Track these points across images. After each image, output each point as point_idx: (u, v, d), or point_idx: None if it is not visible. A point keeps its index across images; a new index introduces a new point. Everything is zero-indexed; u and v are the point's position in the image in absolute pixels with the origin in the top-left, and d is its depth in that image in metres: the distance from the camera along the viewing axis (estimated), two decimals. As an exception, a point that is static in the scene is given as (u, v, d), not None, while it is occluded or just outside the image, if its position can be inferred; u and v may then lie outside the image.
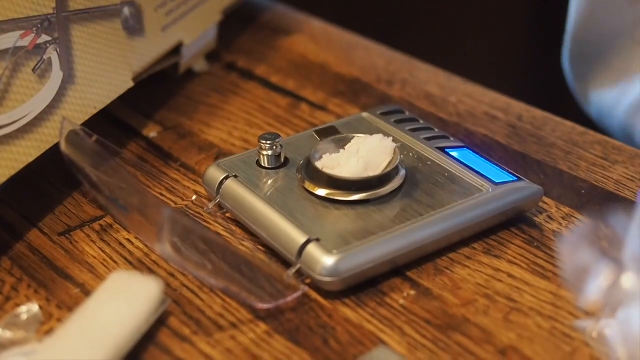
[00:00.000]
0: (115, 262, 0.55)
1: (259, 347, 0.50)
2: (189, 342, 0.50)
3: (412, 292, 0.53)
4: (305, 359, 0.49)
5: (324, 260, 0.52)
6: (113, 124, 0.67)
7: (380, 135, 0.58)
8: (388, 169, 0.56)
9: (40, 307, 0.51)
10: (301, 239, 0.53)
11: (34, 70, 0.58)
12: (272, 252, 0.55)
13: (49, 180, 0.62)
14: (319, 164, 0.57)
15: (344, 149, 0.57)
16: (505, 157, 0.64)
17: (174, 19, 0.69)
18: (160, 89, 0.71)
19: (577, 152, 0.64)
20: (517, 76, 1.48)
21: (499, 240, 0.56)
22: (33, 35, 0.58)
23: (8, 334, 0.48)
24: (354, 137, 0.58)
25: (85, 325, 0.48)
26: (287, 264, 0.54)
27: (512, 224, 0.57)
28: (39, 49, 0.58)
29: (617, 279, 0.41)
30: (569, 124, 0.67)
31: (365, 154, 0.56)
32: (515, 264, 0.55)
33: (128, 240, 0.57)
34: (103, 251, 0.56)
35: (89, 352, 0.47)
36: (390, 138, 0.58)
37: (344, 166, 0.56)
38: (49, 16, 0.59)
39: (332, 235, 0.53)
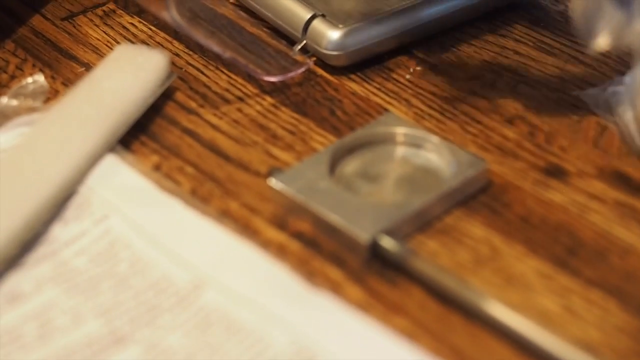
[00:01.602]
0: (119, 43, 0.55)
1: (265, 117, 0.50)
2: (196, 113, 0.50)
3: (419, 68, 0.53)
4: (312, 128, 0.49)
5: (330, 34, 0.52)
6: None
7: None
8: None
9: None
10: (306, 14, 0.53)
11: None
12: (279, 34, 0.54)
13: (49, -30, 0.61)
14: None
15: None
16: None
17: None
18: None
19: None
20: None
21: (505, 21, 0.56)
22: None
23: (14, 102, 0.48)
24: None
25: (91, 92, 0.48)
26: (293, 43, 0.53)
27: (518, 6, 0.56)
28: None
29: (630, 17, 0.41)
30: None
31: None
32: (521, 42, 0.54)
33: (132, 24, 0.56)
34: (107, 34, 0.56)
35: (94, 119, 0.47)
36: None
37: None
38: None
39: (338, 11, 0.53)
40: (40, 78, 0.49)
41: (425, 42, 0.54)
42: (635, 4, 0.41)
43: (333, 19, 0.52)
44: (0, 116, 0.47)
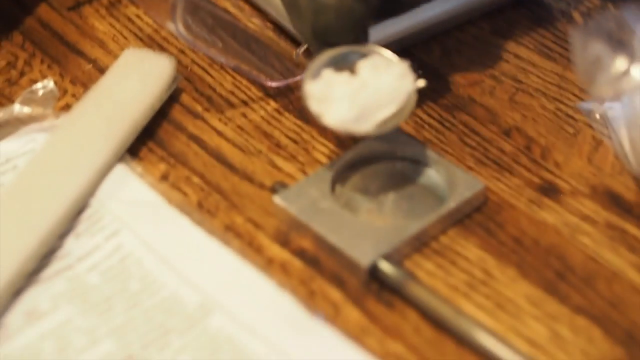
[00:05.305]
0: (125, 37, 0.56)
1: (269, 124, 0.51)
2: (202, 118, 0.52)
3: (420, 71, 0.54)
4: (315, 137, 0.51)
5: (334, 40, 0.53)
6: None
7: (401, 70, 0.49)
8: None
9: (55, 83, 0.52)
10: (311, 17, 0.53)
11: None
12: (281, 29, 0.55)
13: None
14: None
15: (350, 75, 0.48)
16: None
17: None
18: None
19: None
20: None
21: (507, 20, 0.57)
22: None
23: (26, 109, 0.49)
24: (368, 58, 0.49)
25: (101, 103, 0.49)
26: (295, 42, 0.54)
27: (521, 4, 0.57)
28: None
29: (628, 67, 0.42)
30: None
31: (365, 98, 0.47)
32: (522, 44, 0.55)
33: (137, 16, 0.57)
34: (113, 27, 0.57)
35: (105, 130, 0.48)
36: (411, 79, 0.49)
37: (331, 106, 0.47)
38: None
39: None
40: (49, 84, 0.51)
41: (426, 44, 0.55)
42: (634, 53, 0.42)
43: (337, 23, 0.53)
44: (12, 122, 0.49)
